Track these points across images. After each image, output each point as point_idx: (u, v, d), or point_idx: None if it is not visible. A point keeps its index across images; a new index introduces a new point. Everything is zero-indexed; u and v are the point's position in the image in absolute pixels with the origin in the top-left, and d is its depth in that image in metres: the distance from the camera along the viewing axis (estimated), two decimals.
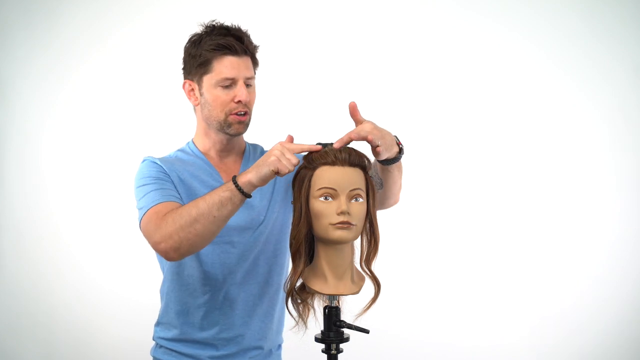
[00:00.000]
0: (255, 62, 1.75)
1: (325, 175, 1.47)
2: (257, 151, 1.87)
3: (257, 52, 1.75)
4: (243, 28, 1.73)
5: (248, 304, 1.76)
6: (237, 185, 1.48)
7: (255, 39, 1.75)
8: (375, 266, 1.58)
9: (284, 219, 1.80)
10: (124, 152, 3.04)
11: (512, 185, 2.92)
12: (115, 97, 3.09)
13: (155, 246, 1.55)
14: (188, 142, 1.81)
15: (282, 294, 1.85)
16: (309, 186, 1.49)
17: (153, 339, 1.83)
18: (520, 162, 2.92)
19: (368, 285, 1.57)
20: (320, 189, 1.47)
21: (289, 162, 1.44)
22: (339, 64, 2.99)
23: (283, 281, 1.83)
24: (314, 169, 1.49)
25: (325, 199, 1.47)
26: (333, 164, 1.48)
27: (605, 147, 2.89)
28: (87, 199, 3.09)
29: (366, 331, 1.52)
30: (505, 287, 2.91)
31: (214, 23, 1.72)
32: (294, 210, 1.53)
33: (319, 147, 1.49)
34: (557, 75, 2.90)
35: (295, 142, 1.52)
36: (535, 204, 2.91)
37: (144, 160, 1.73)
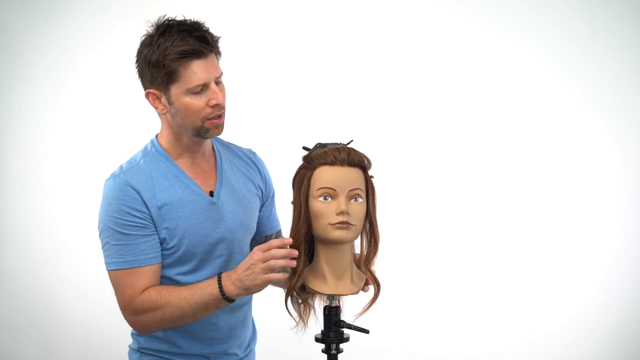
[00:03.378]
0: (218, 55, 1.61)
1: (325, 175, 1.47)
2: (225, 146, 1.76)
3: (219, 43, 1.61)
4: (200, 20, 1.58)
5: (230, 313, 1.72)
6: (224, 296, 1.49)
7: (219, 31, 1.61)
8: (375, 266, 1.58)
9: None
10: (124, 150, 3.02)
11: (513, 186, 2.91)
12: (116, 95, 3.09)
13: (126, 320, 1.60)
14: (155, 145, 1.65)
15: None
16: (308, 186, 1.49)
17: (134, 348, 1.74)
18: (521, 165, 2.91)
19: None
20: (319, 188, 1.47)
21: (278, 266, 1.45)
22: (338, 64, 2.98)
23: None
24: (314, 168, 1.49)
25: (325, 199, 1.47)
26: (332, 163, 1.47)
27: (606, 147, 2.88)
28: (88, 198, 3.09)
29: (366, 331, 1.52)
30: (506, 287, 2.90)
31: (166, 21, 1.57)
32: (294, 211, 1.53)
33: (291, 240, 1.49)
34: (557, 75, 2.89)
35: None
36: (536, 207, 2.89)
37: (115, 178, 1.57)
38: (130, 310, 1.57)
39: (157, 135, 1.68)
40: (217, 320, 1.69)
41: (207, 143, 1.68)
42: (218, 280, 1.51)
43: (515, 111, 2.91)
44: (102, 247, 1.59)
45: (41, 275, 3.14)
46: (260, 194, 1.78)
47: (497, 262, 2.90)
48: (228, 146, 1.78)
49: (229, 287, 1.49)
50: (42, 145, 3.14)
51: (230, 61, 2.97)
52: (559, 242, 2.87)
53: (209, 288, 1.51)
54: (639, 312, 2.82)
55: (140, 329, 1.60)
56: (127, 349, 1.77)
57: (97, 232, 1.60)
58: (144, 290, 1.55)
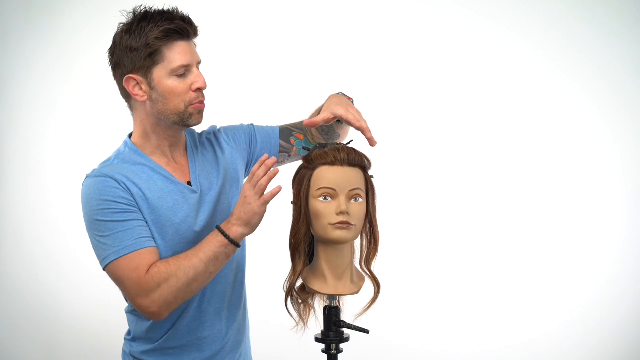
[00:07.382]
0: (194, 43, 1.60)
1: (325, 175, 1.47)
2: (194, 136, 1.71)
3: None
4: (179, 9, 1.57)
5: (221, 299, 1.68)
6: (230, 240, 1.49)
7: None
8: (375, 266, 1.59)
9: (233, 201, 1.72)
10: None
11: (514, 185, 2.91)
12: (117, 94, 3.08)
13: (141, 308, 1.49)
14: (128, 145, 1.64)
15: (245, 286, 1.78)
16: (309, 186, 1.49)
17: (128, 353, 1.70)
18: (522, 164, 2.91)
19: (368, 285, 1.57)
20: (319, 188, 1.47)
21: (270, 195, 1.45)
22: (338, 63, 2.99)
23: (241, 265, 1.76)
24: (314, 169, 1.50)
25: (325, 199, 1.47)
26: (332, 164, 1.48)
27: (607, 146, 2.88)
28: None
29: (366, 331, 1.52)
30: (506, 284, 2.91)
31: (144, 8, 1.56)
32: (294, 210, 1.53)
33: (267, 155, 1.49)
34: (557, 75, 2.90)
35: None
36: (537, 205, 2.90)
37: (96, 177, 1.55)
38: (142, 291, 1.48)
39: (129, 136, 1.66)
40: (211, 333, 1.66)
41: (182, 136, 1.66)
42: (219, 229, 1.50)
43: (515, 111, 2.91)
44: (94, 246, 1.54)
45: (41, 275, 3.14)
46: (241, 169, 1.73)
47: (497, 261, 2.91)
48: (192, 133, 1.73)
49: (231, 229, 1.49)
50: (43, 145, 3.14)
51: (233, 61, 2.99)
52: (560, 241, 2.87)
53: (213, 239, 1.49)
54: None
55: (158, 309, 1.49)
56: None
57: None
58: (149, 268, 1.49)
